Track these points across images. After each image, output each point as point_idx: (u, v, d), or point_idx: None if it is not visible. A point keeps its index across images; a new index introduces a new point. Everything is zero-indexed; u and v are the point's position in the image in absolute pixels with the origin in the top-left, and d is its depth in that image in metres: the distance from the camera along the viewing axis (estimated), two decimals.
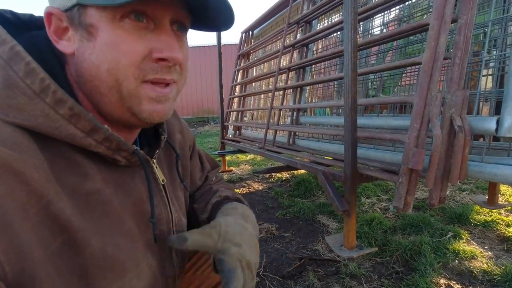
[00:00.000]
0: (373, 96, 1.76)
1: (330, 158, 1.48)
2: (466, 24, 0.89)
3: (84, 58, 0.38)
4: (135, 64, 0.38)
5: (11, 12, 0.42)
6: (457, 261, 1.39)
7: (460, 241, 1.55)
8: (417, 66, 1.17)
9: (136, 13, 0.37)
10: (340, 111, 1.74)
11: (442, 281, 1.24)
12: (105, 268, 0.38)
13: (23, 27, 0.41)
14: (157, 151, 0.50)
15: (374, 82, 1.75)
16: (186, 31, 0.44)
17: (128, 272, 0.41)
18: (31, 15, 0.44)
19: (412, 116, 0.86)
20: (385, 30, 1.66)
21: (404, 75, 1.55)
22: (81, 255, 0.36)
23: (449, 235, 1.59)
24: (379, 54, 1.63)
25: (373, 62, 1.90)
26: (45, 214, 0.33)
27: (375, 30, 1.80)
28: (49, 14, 0.38)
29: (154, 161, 0.49)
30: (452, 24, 0.97)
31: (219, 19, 0.44)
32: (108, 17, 0.36)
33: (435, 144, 0.80)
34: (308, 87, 2.01)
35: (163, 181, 0.50)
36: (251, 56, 2.77)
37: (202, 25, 0.46)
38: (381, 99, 1.07)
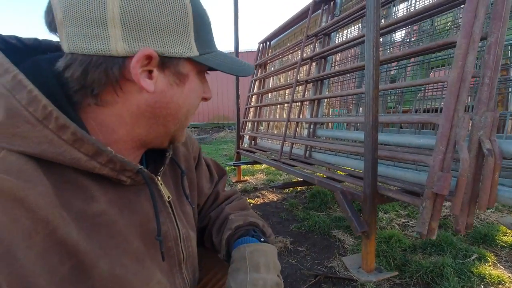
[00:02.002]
0: (393, 108, 1.72)
1: (346, 174, 1.45)
2: (497, 42, 0.86)
3: (170, 99, 0.44)
4: (198, 105, 0.49)
5: (16, 38, 0.43)
6: (482, 286, 1.32)
7: (486, 264, 1.47)
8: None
9: (206, 70, 0.48)
10: (359, 125, 1.71)
11: None
12: None
13: (27, 52, 0.43)
14: (162, 168, 0.51)
15: (394, 95, 1.71)
16: None
17: None
18: (35, 39, 0.45)
19: (438, 138, 0.83)
20: (406, 39, 1.62)
21: (426, 88, 1.51)
22: (91, 278, 0.36)
23: (473, 257, 1.51)
24: (399, 68, 1.60)
25: (393, 73, 1.86)
26: (52, 240, 0.33)
27: (396, 36, 1.77)
28: (149, 56, 0.39)
29: (159, 178, 0.50)
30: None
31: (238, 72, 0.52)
32: (197, 71, 0.46)
33: (463, 168, 0.77)
34: (326, 100, 1.99)
35: (168, 197, 0.51)
36: (268, 66, 2.77)
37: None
38: (404, 117, 1.04)
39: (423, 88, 1.45)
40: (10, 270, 0.29)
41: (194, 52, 0.43)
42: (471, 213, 0.82)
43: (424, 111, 1.39)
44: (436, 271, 1.38)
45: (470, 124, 0.87)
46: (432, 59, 1.47)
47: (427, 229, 0.79)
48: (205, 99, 0.51)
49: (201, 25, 0.44)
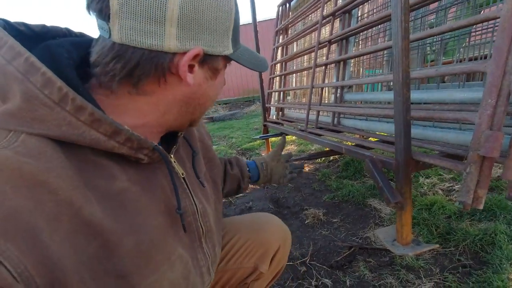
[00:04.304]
0: (432, 61, 1.50)
1: (377, 139, 1.32)
2: None
3: (205, 92, 0.47)
4: None
5: (24, 24, 0.43)
6: None
7: None
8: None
9: None
10: (391, 84, 1.53)
11: None
12: (140, 264, 0.40)
13: (36, 38, 0.43)
14: (174, 146, 0.53)
15: (434, 46, 1.48)
16: None
17: (161, 265, 0.43)
18: (44, 26, 0.45)
19: (485, 89, 0.69)
20: None
21: (473, 32, 1.27)
22: (117, 255, 0.37)
23: None
24: (439, 11, 1.36)
25: (431, 20, 1.61)
26: (77, 221, 0.34)
27: None
28: (198, 55, 0.42)
29: (172, 156, 0.52)
30: None
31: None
32: (223, 65, 0.49)
33: None
34: (352, 60, 1.81)
35: (182, 174, 0.53)
36: (289, 31, 2.58)
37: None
38: (442, 69, 0.88)
39: (468, 31, 1.22)
40: (36, 254, 0.30)
41: (230, 50, 0.47)
42: None
43: (470, 60, 1.19)
44: (486, 239, 1.24)
45: None
46: None
47: (472, 198, 0.67)
48: None
49: (237, 24, 0.47)
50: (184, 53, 0.41)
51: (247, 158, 3.16)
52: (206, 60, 0.45)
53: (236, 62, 0.49)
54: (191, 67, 0.43)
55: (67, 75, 0.38)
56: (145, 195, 0.44)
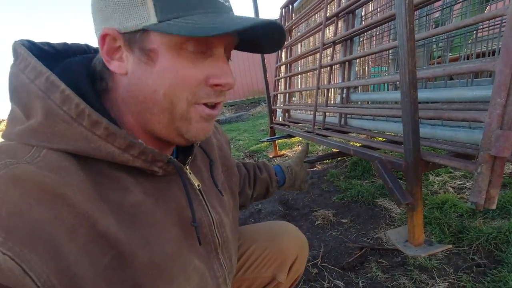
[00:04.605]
0: (438, 58, 1.48)
1: (385, 140, 1.31)
2: None
3: (140, 81, 0.40)
4: (190, 89, 0.40)
5: (47, 43, 0.46)
6: None
7: None
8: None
9: (196, 42, 0.39)
10: (398, 84, 1.52)
11: None
12: (154, 276, 0.40)
13: (59, 55, 0.46)
14: (190, 157, 0.52)
15: (440, 43, 1.47)
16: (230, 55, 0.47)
17: (176, 278, 0.43)
18: (65, 43, 0.48)
19: (494, 88, 0.68)
20: None
21: (480, 28, 1.25)
22: (131, 267, 0.38)
23: None
24: (444, 9, 1.34)
25: (437, 17, 1.59)
26: (93, 233, 0.35)
27: None
28: (104, 35, 0.40)
29: (187, 167, 0.52)
30: None
31: (268, 45, 0.47)
32: (169, 44, 0.39)
33: None
34: (358, 60, 1.80)
35: (198, 185, 0.52)
36: (293, 32, 2.59)
37: (249, 49, 0.50)
38: (449, 68, 0.87)
39: (475, 29, 1.21)
40: (57, 264, 0.31)
41: (151, 20, 0.38)
42: None
43: (477, 56, 1.17)
44: (500, 237, 1.23)
45: None
46: None
47: (485, 198, 0.67)
48: (215, 85, 0.42)
49: None
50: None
51: (254, 161, 3.17)
52: (130, 40, 0.39)
53: (163, 32, 0.38)
54: (115, 53, 0.41)
55: (84, 92, 0.40)
56: (159, 208, 0.44)
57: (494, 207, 0.67)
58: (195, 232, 0.48)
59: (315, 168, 2.53)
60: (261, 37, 0.46)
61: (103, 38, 0.40)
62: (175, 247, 0.44)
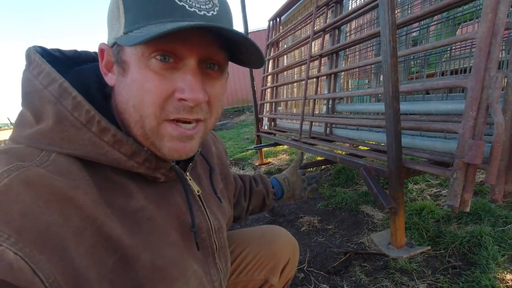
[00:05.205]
0: (416, 73, 1.60)
1: (368, 148, 1.39)
2: None
3: (119, 92, 0.42)
4: (156, 103, 0.39)
5: (58, 50, 0.47)
6: None
7: None
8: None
9: (163, 53, 0.38)
10: (380, 96, 1.62)
11: (509, 276, 1.11)
12: (155, 279, 0.41)
13: (69, 62, 0.47)
14: (190, 164, 0.53)
15: (417, 60, 1.59)
16: (221, 68, 0.44)
17: (176, 281, 0.44)
18: (75, 51, 0.49)
19: (467, 103, 0.76)
20: None
21: (453, 48, 1.37)
22: (134, 270, 0.39)
23: None
24: (421, 29, 1.46)
25: (414, 34, 1.72)
26: (99, 235, 0.36)
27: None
28: (101, 50, 0.43)
29: (187, 174, 0.52)
30: None
31: (251, 58, 0.45)
32: (137, 56, 0.38)
33: (497, 133, 0.70)
34: (342, 72, 1.90)
35: (198, 191, 0.54)
36: (280, 44, 2.68)
37: (238, 61, 0.48)
38: (428, 83, 0.96)
39: (449, 48, 1.32)
40: (64, 265, 0.32)
41: (120, 33, 0.38)
42: (509, 180, 0.75)
43: (451, 73, 1.28)
44: (473, 240, 1.31)
45: (505, 83, 0.79)
46: (458, 14, 1.33)
47: (459, 201, 0.74)
48: (180, 99, 0.39)
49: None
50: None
51: (239, 168, 3.19)
52: (114, 54, 0.41)
53: (122, 44, 0.38)
54: (109, 66, 0.43)
55: (94, 98, 0.42)
56: (160, 213, 0.45)
57: (468, 209, 0.74)
58: (193, 237, 0.49)
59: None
60: (244, 51, 0.43)
61: (101, 52, 0.43)
62: (176, 251, 0.45)
